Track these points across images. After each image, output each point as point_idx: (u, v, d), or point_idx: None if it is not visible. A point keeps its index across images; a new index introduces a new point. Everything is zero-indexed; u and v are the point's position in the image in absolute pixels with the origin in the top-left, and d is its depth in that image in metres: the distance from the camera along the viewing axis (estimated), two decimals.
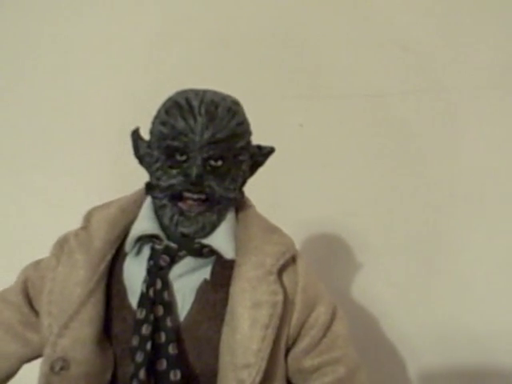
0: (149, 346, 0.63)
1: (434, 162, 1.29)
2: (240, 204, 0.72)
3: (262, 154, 0.70)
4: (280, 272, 0.67)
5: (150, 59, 1.35)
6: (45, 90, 1.37)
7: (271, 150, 0.71)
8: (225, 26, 1.35)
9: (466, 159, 1.27)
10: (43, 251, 1.21)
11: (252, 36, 1.34)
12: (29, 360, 0.76)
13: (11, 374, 0.75)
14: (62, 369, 0.65)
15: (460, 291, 1.26)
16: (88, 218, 0.72)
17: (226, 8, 1.36)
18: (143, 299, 0.66)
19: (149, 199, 0.71)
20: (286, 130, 1.29)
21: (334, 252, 1.32)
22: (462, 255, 1.27)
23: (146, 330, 0.64)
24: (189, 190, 0.64)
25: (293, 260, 0.70)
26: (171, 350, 0.64)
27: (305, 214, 1.26)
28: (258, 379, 0.62)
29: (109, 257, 0.69)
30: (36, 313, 0.75)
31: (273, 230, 0.71)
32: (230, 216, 0.69)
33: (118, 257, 0.70)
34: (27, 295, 0.76)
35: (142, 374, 0.63)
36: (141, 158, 0.70)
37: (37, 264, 0.78)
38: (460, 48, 1.28)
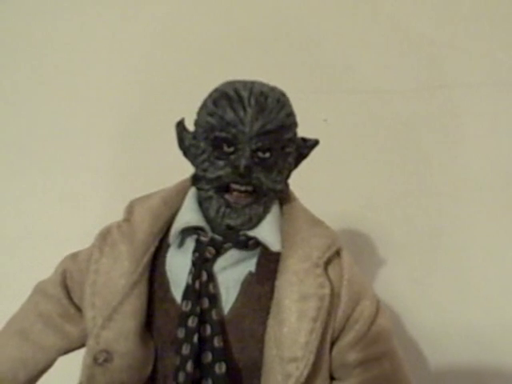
0: (195, 338, 0.63)
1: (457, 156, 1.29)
2: (284, 197, 0.71)
3: (306, 146, 0.70)
4: (326, 265, 0.67)
5: (152, 56, 1.34)
6: (43, 87, 1.36)
7: (316, 143, 0.70)
8: (242, 20, 1.35)
9: None
10: (41, 247, 1.26)
11: (273, 31, 1.34)
12: (65, 352, 0.76)
13: (48, 367, 0.75)
14: (105, 361, 0.65)
15: (487, 287, 1.26)
16: (130, 210, 0.71)
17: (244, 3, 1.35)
18: (189, 291, 0.65)
19: (192, 191, 0.70)
20: (310, 125, 1.28)
21: (356, 247, 1.32)
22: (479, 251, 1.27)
23: (192, 322, 0.64)
24: (236, 182, 0.63)
25: (337, 253, 0.70)
26: (216, 342, 0.64)
27: (328, 208, 1.24)
28: (305, 373, 0.62)
29: (152, 249, 0.69)
30: (74, 305, 0.75)
31: (318, 222, 0.71)
32: (275, 208, 0.69)
33: (160, 249, 0.70)
34: (66, 287, 0.76)
35: (189, 366, 0.62)
36: (185, 150, 0.69)
37: (75, 256, 0.77)
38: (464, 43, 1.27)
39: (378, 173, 1.30)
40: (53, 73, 1.36)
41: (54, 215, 1.32)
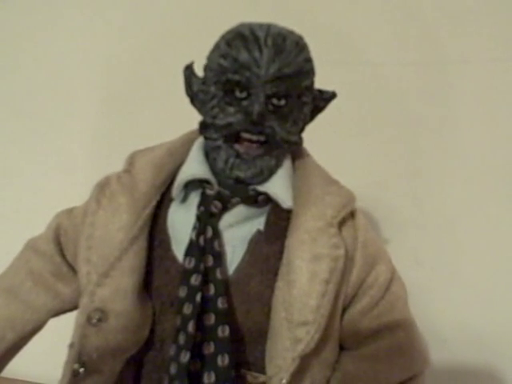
0: (198, 297, 0.58)
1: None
2: (297, 152, 0.67)
3: (323, 99, 0.65)
4: (340, 225, 0.62)
5: (133, 28, 1.30)
6: (27, 62, 1.34)
7: (333, 95, 0.65)
8: None
9: None
10: (27, 221, 1.21)
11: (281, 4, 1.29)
12: (57, 314, 0.71)
13: (38, 328, 0.70)
14: (99, 320, 0.60)
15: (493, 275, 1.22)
16: (131, 161, 0.67)
17: None
18: (192, 248, 0.60)
19: (198, 142, 0.66)
20: None
21: None
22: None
23: (195, 280, 0.59)
24: (248, 130, 0.58)
25: (352, 215, 0.65)
26: (220, 304, 0.59)
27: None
28: (316, 337, 0.58)
29: (154, 202, 0.64)
30: (67, 263, 0.71)
31: (332, 181, 0.66)
32: (287, 163, 0.64)
33: (161, 203, 0.65)
34: (59, 243, 0.71)
35: (190, 326, 0.57)
36: (193, 97, 0.64)
37: (69, 211, 0.72)
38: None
39: (388, 148, 1.26)
40: (36, 44, 1.33)
41: (31, 191, 1.31)
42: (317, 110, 0.65)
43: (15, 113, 1.35)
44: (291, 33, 0.59)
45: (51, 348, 0.73)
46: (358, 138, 1.26)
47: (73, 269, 0.70)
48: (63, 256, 0.70)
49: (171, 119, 1.19)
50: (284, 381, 0.57)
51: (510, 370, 1.19)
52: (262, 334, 0.61)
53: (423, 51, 1.23)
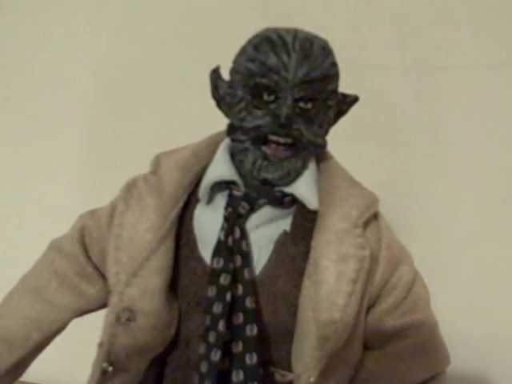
0: (228, 296, 0.59)
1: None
2: (320, 154, 0.68)
3: (346, 102, 0.66)
4: (364, 226, 0.63)
5: (128, 27, 1.32)
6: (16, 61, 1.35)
7: (355, 99, 0.67)
8: None
9: None
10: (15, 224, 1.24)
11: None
12: (82, 314, 0.72)
13: (62, 328, 0.71)
14: (128, 320, 0.61)
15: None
16: (157, 162, 0.68)
17: None
18: (220, 248, 0.61)
19: (224, 144, 0.67)
20: None
21: None
22: None
23: (224, 279, 0.60)
24: (275, 133, 0.59)
25: (374, 216, 0.66)
26: (248, 303, 0.60)
27: None
28: (344, 336, 0.59)
29: (181, 203, 0.65)
30: (92, 263, 0.71)
31: (356, 182, 0.67)
32: (312, 165, 0.65)
33: (188, 204, 0.66)
34: (84, 244, 0.71)
35: (220, 325, 0.58)
36: (219, 100, 0.65)
37: (93, 212, 0.73)
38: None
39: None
40: (30, 46, 1.35)
41: (22, 191, 1.32)
42: (340, 113, 0.66)
43: (5, 115, 1.36)
44: (317, 37, 0.60)
45: (52, 349, 0.73)
46: (345, 140, 1.26)
47: (97, 269, 0.71)
48: (88, 257, 0.71)
49: (167, 121, 1.22)
50: (312, 379, 0.58)
51: (498, 375, 1.20)
52: (287, 333, 0.62)
53: (413, 56, 1.24)
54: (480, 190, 1.22)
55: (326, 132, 0.65)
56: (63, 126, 1.34)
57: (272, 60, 0.58)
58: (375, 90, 1.22)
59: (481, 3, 1.22)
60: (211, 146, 0.68)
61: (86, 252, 0.71)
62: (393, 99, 1.25)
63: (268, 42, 0.58)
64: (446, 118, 1.24)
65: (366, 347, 0.67)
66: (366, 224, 0.64)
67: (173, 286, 0.64)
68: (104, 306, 0.72)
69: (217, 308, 0.59)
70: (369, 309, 0.65)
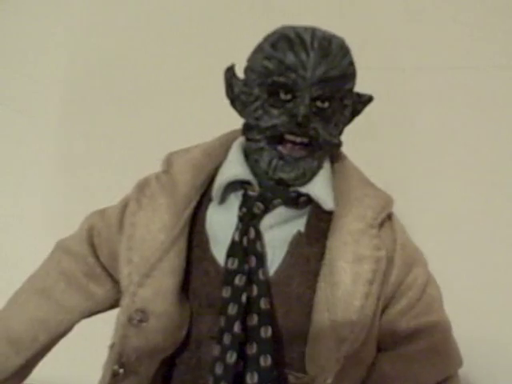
0: (244, 297, 0.58)
1: None
2: (334, 154, 0.67)
3: (361, 102, 0.66)
4: (379, 227, 0.63)
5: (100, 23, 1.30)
6: None
7: (370, 99, 0.66)
8: None
9: None
10: None
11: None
12: (90, 314, 0.71)
13: (70, 329, 0.70)
14: (140, 321, 0.60)
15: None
16: (168, 162, 0.66)
17: None
18: (235, 248, 0.60)
19: (237, 143, 0.66)
20: None
21: None
22: None
23: (239, 280, 0.59)
24: (292, 132, 0.59)
25: (388, 217, 0.66)
26: (263, 304, 0.59)
27: None
28: (361, 337, 0.58)
29: (194, 203, 0.64)
30: (101, 264, 0.70)
31: (370, 183, 0.67)
32: (326, 165, 0.65)
33: (200, 204, 0.65)
34: (92, 244, 0.70)
35: (236, 327, 0.58)
36: (234, 98, 0.64)
37: (102, 212, 0.72)
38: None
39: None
40: None
41: None
42: (355, 112, 0.66)
43: None
44: (334, 36, 0.60)
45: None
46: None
47: (106, 270, 0.70)
48: (97, 257, 0.70)
49: (142, 124, 1.22)
50: (329, 381, 0.58)
51: (499, 375, 1.20)
52: (300, 335, 0.61)
53: (380, 57, 1.24)
54: (450, 190, 1.22)
55: (341, 131, 0.65)
56: (36, 128, 1.32)
57: (290, 58, 0.57)
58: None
59: (451, 5, 1.23)
60: (224, 145, 0.67)
61: (94, 252, 0.70)
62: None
63: (286, 40, 0.58)
64: (410, 118, 1.24)
65: (379, 348, 0.67)
66: (381, 225, 0.63)
67: (184, 287, 0.63)
68: (112, 307, 0.71)
69: (232, 309, 0.58)
70: (383, 310, 0.65)
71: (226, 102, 0.65)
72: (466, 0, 1.24)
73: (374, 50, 1.22)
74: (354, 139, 1.18)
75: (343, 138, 0.65)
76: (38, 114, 1.32)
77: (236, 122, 0.65)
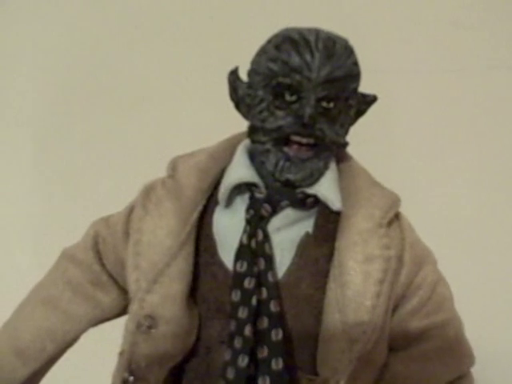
0: (254, 300, 0.58)
1: None
2: (340, 154, 0.67)
3: (365, 102, 0.66)
4: (387, 226, 0.63)
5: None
6: None
7: (374, 99, 0.66)
8: None
9: None
10: None
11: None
12: (97, 323, 0.70)
13: (77, 338, 0.70)
14: (149, 327, 0.59)
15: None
16: (173, 166, 0.66)
17: None
18: (243, 251, 0.60)
19: (242, 146, 0.66)
20: None
21: None
22: None
23: (249, 283, 0.59)
24: (298, 133, 0.58)
25: (396, 216, 0.65)
26: (273, 307, 0.59)
27: None
28: (373, 338, 0.58)
29: (200, 207, 0.64)
30: (107, 272, 0.70)
31: (376, 182, 0.66)
32: (332, 165, 0.64)
33: (207, 208, 0.65)
34: (98, 252, 0.70)
35: (247, 330, 0.57)
36: (238, 101, 0.64)
37: (107, 220, 0.71)
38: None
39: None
40: None
41: None
42: (359, 112, 0.66)
43: None
44: (338, 37, 0.60)
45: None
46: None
47: (112, 277, 0.70)
48: (103, 265, 0.69)
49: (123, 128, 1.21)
50: (342, 382, 0.57)
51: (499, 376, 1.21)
52: (310, 337, 0.61)
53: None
54: (431, 191, 1.24)
55: (347, 131, 0.65)
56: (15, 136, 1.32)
57: (295, 59, 0.57)
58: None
59: (428, 8, 1.24)
60: (229, 148, 0.67)
61: (100, 260, 0.69)
62: None
63: (290, 42, 0.58)
64: (390, 122, 1.25)
65: (391, 348, 0.66)
66: (389, 224, 0.63)
67: (192, 292, 0.63)
68: (119, 314, 0.71)
69: (242, 313, 0.58)
70: (394, 310, 0.64)
71: (230, 105, 0.65)
72: (453, 2, 1.25)
73: (372, 52, 1.23)
74: (354, 139, 1.22)
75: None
76: (18, 122, 1.32)
77: (240, 125, 0.65)
